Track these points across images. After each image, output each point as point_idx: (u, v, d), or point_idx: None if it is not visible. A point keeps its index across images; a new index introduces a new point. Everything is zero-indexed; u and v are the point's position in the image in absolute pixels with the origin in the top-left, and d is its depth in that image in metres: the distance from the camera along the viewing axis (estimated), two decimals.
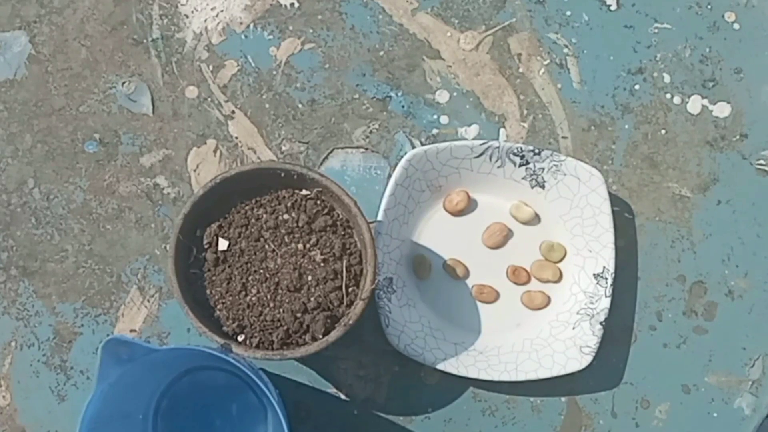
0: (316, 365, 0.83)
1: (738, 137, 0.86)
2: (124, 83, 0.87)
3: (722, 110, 0.86)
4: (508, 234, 0.85)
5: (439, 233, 0.85)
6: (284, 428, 0.69)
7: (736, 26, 0.87)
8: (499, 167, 0.83)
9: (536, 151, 0.82)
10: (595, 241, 0.83)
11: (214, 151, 0.86)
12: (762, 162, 0.85)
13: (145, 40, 0.87)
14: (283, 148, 0.86)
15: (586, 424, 0.83)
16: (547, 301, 0.85)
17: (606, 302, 0.82)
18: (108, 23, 0.88)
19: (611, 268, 0.82)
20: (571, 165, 0.82)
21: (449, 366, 0.82)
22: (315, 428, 0.82)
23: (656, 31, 0.87)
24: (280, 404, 0.70)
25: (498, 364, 0.82)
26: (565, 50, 0.87)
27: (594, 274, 0.83)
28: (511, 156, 0.83)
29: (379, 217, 0.82)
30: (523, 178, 0.84)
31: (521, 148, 0.82)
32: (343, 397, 0.83)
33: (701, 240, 0.85)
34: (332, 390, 0.83)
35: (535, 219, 0.85)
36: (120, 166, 0.86)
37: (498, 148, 0.82)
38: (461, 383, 0.83)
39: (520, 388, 0.84)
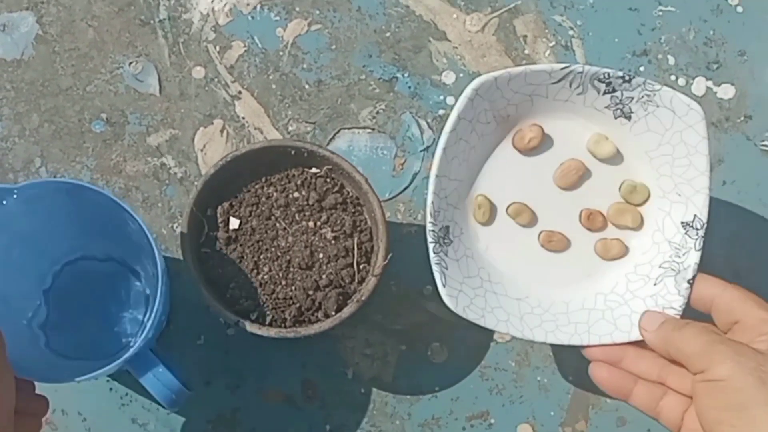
0: (322, 344, 0.83)
1: (742, 118, 0.86)
2: (131, 63, 0.87)
3: (726, 92, 0.87)
4: (585, 173, 0.75)
5: (505, 171, 0.75)
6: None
7: (739, 9, 0.88)
8: (579, 94, 0.73)
9: (626, 77, 0.72)
10: (687, 184, 0.73)
11: (221, 131, 0.86)
12: (766, 143, 0.86)
13: (152, 21, 0.87)
14: (290, 129, 0.86)
15: (593, 403, 0.83)
16: (625, 250, 0.76)
17: (695, 257, 0.72)
18: (115, 4, 0.88)
19: (704, 217, 0.72)
20: (666, 96, 0.71)
21: (513, 328, 0.72)
22: (322, 407, 0.83)
23: (660, 13, 0.88)
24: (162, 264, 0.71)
25: (567, 325, 0.73)
26: (571, 32, 0.88)
27: (683, 222, 0.73)
28: (596, 83, 0.72)
29: (436, 158, 0.72)
30: (606, 107, 0.74)
31: (608, 74, 0.71)
32: (349, 376, 0.83)
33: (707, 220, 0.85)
34: (339, 369, 0.83)
35: (617, 156, 0.75)
36: (127, 145, 0.86)
37: (581, 72, 0.72)
38: (469, 362, 0.83)
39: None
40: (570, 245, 0.76)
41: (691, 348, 0.64)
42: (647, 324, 0.71)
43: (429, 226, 0.72)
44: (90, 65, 0.87)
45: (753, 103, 0.86)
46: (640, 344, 0.72)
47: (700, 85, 0.87)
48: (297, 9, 0.88)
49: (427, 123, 0.86)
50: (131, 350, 0.67)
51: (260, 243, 0.76)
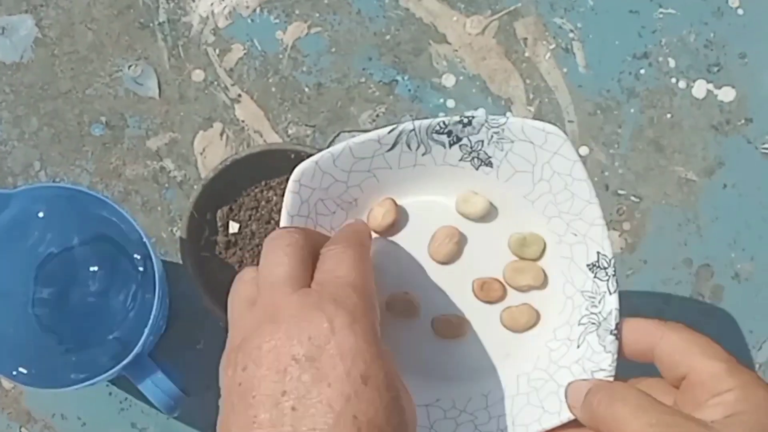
0: None
1: (743, 121, 0.86)
2: (130, 66, 0.87)
3: (727, 95, 0.87)
4: (461, 239, 0.63)
5: (371, 261, 0.58)
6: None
7: (740, 11, 0.88)
8: (424, 155, 0.62)
9: (465, 120, 0.61)
10: (578, 219, 0.61)
11: (221, 135, 0.86)
12: (767, 146, 0.86)
13: (151, 24, 0.87)
14: (290, 132, 0.86)
15: None
16: (536, 316, 0.63)
17: (613, 301, 0.60)
18: (114, 7, 0.87)
19: (608, 252, 0.60)
20: (516, 127, 0.61)
21: None
22: None
23: (661, 16, 0.88)
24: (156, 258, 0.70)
25: (488, 422, 0.61)
26: (571, 35, 0.87)
27: (588, 265, 0.61)
28: (435, 136, 0.62)
29: None
30: (461, 160, 0.63)
31: (444, 123, 0.61)
32: None
33: (707, 224, 0.85)
34: None
35: (493, 210, 0.63)
36: (126, 149, 0.86)
37: (413, 130, 0.61)
38: None
39: None
40: (470, 327, 0.63)
41: None
42: (573, 399, 0.58)
43: None
44: (89, 68, 0.87)
45: (754, 105, 0.86)
46: (576, 424, 0.59)
47: (700, 88, 0.87)
48: (297, 12, 0.87)
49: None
50: (129, 357, 0.67)
51: (260, 247, 0.76)
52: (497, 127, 0.61)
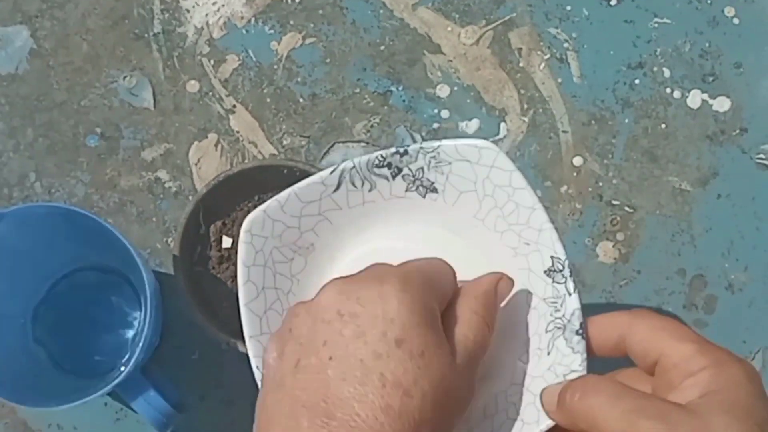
0: None
1: (738, 131, 0.86)
2: (125, 77, 0.87)
3: (722, 104, 0.87)
4: None
5: None
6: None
7: (735, 21, 0.88)
8: (370, 191, 0.63)
9: (401, 151, 0.62)
10: (527, 227, 0.61)
11: (216, 145, 0.86)
12: (762, 156, 0.86)
13: (146, 35, 0.87)
14: (285, 142, 0.86)
15: None
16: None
17: (574, 302, 0.59)
18: (109, 18, 0.88)
19: (561, 254, 0.60)
20: (449, 149, 0.61)
21: None
22: None
23: (656, 25, 0.88)
24: (151, 284, 0.71)
25: None
26: (566, 45, 0.87)
27: (545, 272, 0.61)
28: (376, 170, 0.62)
29: (243, 319, 0.61)
30: (407, 191, 0.63)
31: (382, 156, 0.62)
32: None
33: (701, 234, 0.85)
34: None
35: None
36: (121, 160, 0.86)
37: (354, 167, 0.62)
38: None
39: None
40: None
41: (607, 426, 0.50)
42: (548, 403, 0.57)
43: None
44: (84, 79, 0.87)
45: (749, 115, 0.86)
46: (560, 428, 0.57)
47: (695, 98, 0.86)
48: (291, 22, 0.87)
49: (422, 136, 0.86)
50: (121, 375, 0.68)
51: None
52: (432, 151, 0.62)
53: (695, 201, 0.85)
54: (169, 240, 0.85)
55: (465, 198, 0.62)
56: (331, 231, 0.64)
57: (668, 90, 0.87)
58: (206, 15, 0.88)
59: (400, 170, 0.62)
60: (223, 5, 0.88)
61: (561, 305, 0.60)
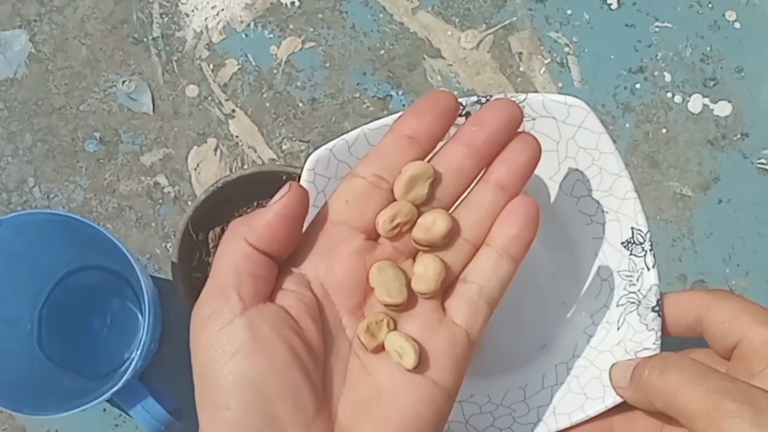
0: None
1: (739, 136, 0.86)
2: (124, 82, 0.87)
3: (723, 109, 0.86)
4: None
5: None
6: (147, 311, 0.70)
7: (737, 25, 0.87)
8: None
9: (483, 100, 0.56)
10: (608, 195, 0.58)
11: (215, 150, 0.86)
12: (763, 161, 0.85)
13: (145, 39, 0.87)
14: (284, 147, 0.86)
15: None
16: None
17: (653, 277, 0.56)
18: (108, 22, 0.87)
19: (643, 227, 0.57)
20: (536, 103, 0.57)
21: None
22: None
23: (657, 30, 0.87)
24: (149, 289, 0.71)
25: (527, 414, 0.58)
26: (566, 49, 0.87)
27: (623, 243, 0.58)
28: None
29: None
30: None
31: (462, 104, 0.55)
32: None
33: (702, 239, 0.85)
34: None
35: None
36: (120, 164, 0.86)
37: None
38: None
39: None
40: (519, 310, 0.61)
41: (688, 405, 0.47)
42: (619, 379, 0.54)
43: None
44: (83, 84, 0.87)
45: (750, 120, 0.86)
46: (624, 407, 0.55)
47: (696, 103, 0.86)
48: (291, 26, 0.87)
49: None
50: (119, 383, 0.67)
51: None
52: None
53: (696, 206, 0.85)
54: (168, 245, 0.84)
55: (544, 158, 0.54)
56: None
57: (669, 94, 0.86)
58: (205, 19, 0.87)
59: None
60: (223, 9, 0.87)
61: (637, 279, 0.57)
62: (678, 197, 0.85)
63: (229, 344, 0.44)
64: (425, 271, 0.49)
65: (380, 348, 0.48)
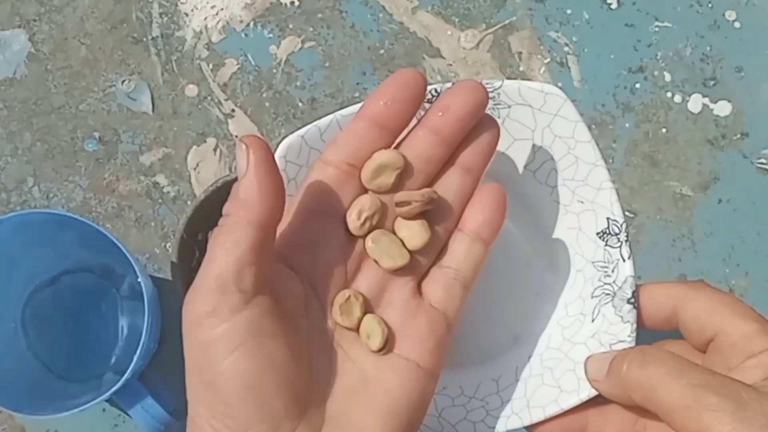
0: None
1: (739, 136, 0.86)
2: (123, 81, 0.87)
3: (723, 109, 0.86)
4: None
5: None
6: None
7: (736, 25, 0.87)
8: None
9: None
10: (584, 185, 0.56)
11: (214, 150, 0.86)
12: (763, 161, 0.85)
13: (144, 39, 0.87)
14: None
15: None
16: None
17: (628, 268, 0.55)
18: (108, 21, 0.87)
19: (619, 217, 0.55)
20: (512, 90, 0.55)
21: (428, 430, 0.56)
22: None
23: (657, 29, 0.87)
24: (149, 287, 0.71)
25: (500, 407, 0.56)
26: (566, 49, 0.87)
27: (598, 233, 0.56)
28: (426, 106, 0.52)
29: None
30: None
31: (436, 90, 0.53)
32: None
33: (702, 239, 0.85)
34: None
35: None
36: (120, 164, 0.86)
37: None
38: None
39: None
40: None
41: (668, 399, 0.46)
42: (595, 373, 0.53)
43: None
44: (83, 83, 0.86)
45: (750, 120, 0.86)
46: (599, 400, 0.53)
47: (696, 102, 0.86)
48: (290, 26, 0.87)
49: None
50: (119, 384, 0.67)
51: None
52: (492, 91, 0.54)
53: (696, 206, 0.85)
54: (168, 245, 0.84)
55: (518, 146, 0.56)
56: None
57: (669, 94, 0.86)
58: (205, 19, 0.87)
59: None
60: (222, 9, 0.87)
61: (612, 271, 0.55)
62: (678, 197, 0.85)
63: (228, 342, 0.44)
64: (411, 232, 0.49)
65: (358, 326, 0.48)
